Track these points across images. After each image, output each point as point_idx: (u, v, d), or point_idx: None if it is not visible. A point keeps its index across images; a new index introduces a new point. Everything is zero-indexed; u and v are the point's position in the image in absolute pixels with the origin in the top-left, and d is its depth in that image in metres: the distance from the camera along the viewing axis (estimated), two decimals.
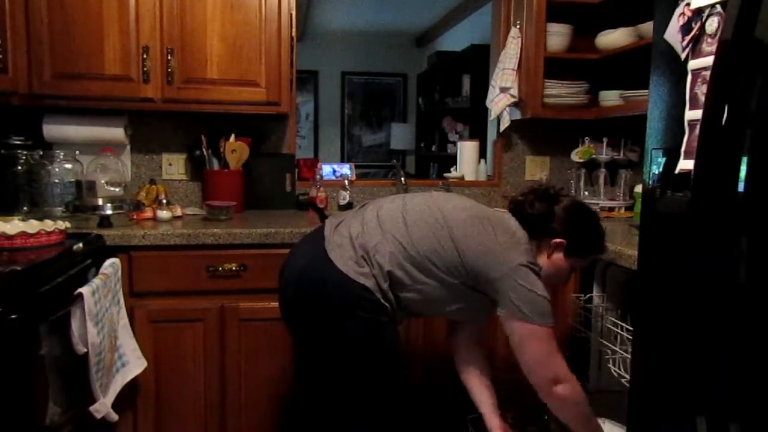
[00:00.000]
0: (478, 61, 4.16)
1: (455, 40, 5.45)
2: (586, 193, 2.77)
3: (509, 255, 1.46)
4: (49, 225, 1.74)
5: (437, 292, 1.51)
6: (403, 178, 2.79)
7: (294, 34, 2.39)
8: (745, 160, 0.91)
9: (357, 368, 1.53)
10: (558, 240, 1.54)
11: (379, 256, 1.47)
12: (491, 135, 3.07)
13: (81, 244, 1.76)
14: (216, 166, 2.53)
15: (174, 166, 2.63)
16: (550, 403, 1.53)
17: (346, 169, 2.92)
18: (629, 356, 1.49)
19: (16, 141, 2.25)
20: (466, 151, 3.06)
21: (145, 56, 2.22)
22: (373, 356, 1.52)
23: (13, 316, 1.36)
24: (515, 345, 1.49)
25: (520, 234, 1.53)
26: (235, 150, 2.50)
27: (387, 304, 1.49)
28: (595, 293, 1.96)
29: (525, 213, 1.56)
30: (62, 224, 1.78)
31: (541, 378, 1.48)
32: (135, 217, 2.23)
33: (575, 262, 1.60)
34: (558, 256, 1.56)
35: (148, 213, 2.26)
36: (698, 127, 0.98)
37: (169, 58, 2.24)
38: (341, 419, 1.60)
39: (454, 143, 4.68)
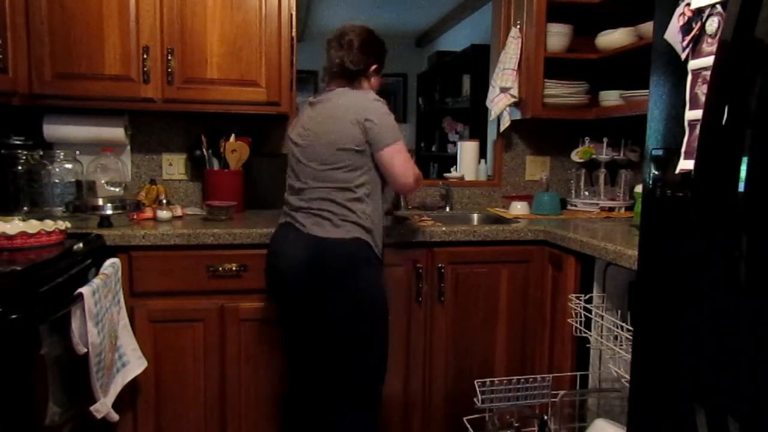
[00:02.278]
0: (478, 61, 4.16)
1: (455, 40, 5.44)
2: (587, 193, 2.77)
3: (363, 109, 1.77)
4: (49, 225, 1.74)
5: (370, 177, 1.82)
6: None
7: (294, 34, 2.39)
8: (745, 160, 0.91)
9: (373, 312, 1.79)
10: (375, 66, 1.90)
11: (342, 207, 1.75)
12: (491, 135, 3.07)
13: (81, 244, 1.76)
14: (216, 166, 2.53)
15: (174, 166, 2.63)
16: (412, 191, 1.98)
17: None
18: (629, 356, 1.49)
19: (17, 141, 2.25)
20: (466, 151, 3.06)
21: (145, 56, 2.22)
22: (381, 296, 1.81)
23: (14, 316, 1.36)
24: (388, 164, 1.78)
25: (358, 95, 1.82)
26: (235, 150, 2.50)
27: (372, 241, 1.79)
28: (595, 293, 1.96)
29: (349, 70, 1.84)
30: (62, 224, 1.78)
31: (411, 176, 1.82)
32: (135, 217, 2.23)
33: (381, 73, 1.96)
34: (376, 77, 1.92)
35: (148, 213, 2.26)
36: (698, 127, 0.98)
37: (169, 58, 2.24)
38: (344, 401, 1.82)
39: (454, 143, 4.68)
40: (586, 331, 1.90)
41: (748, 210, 0.92)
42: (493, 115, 2.80)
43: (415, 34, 6.61)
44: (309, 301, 1.78)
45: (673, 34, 1.17)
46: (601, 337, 1.85)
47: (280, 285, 1.84)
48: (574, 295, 1.98)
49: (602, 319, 1.85)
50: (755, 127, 0.90)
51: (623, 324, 1.68)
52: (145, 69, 2.23)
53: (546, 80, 2.60)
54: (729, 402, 0.96)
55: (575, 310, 1.92)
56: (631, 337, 1.53)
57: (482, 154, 3.10)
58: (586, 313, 1.90)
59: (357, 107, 1.76)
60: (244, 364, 2.07)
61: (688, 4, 1.12)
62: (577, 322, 1.91)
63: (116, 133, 2.44)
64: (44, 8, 2.14)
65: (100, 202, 2.21)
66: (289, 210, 1.85)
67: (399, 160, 1.78)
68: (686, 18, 1.13)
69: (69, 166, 2.33)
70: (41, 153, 2.27)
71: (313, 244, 1.74)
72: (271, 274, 1.87)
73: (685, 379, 1.09)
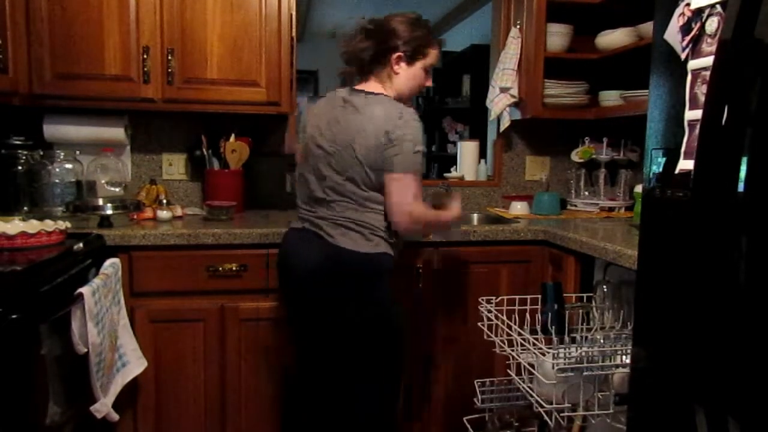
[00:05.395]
0: (478, 61, 4.16)
1: (455, 40, 5.44)
2: (587, 193, 2.77)
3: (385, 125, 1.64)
4: (49, 225, 1.74)
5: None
6: None
7: (294, 34, 2.39)
8: (745, 160, 0.91)
9: (387, 327, 1.72)
10: (396, 54, 1.73)
11: (368, 218, 1.67)
12: (491, 135, 3.07)
13: (81, 244, 1.76)
14: (216, 166, 2.53)
15: (174, 166, 2.63)
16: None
17: None
18: (629, 357, 1.49)
19: (17, 141, 2.25)
20: (466, 151, 3.06)
21: (145, 56, 2.22)
22: (397, 313, 1.75)
23: (14, 316, 1.36)
24: (387, 191, 1.67)
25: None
26: (235, 150, 2.50)
27: (394, 252, 1.73)
28: (596, 293, 1.96)
29: (361, 59, 1.74)
30: (62, 224, 1.78)
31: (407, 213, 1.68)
32: (135, 217, 2.23)
33: (422, 63, 1.79)
34: (404, 66, 1.75)
35: (149, 213, 2.26)
36: (698, 127, 0.98)
37: (169, 58, 2.24)
38: (353, 395, 1.73)
39: (454, 143, 4.68)
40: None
41: (748, 210, 0.92)
42: (493, 115, 2.81)
43: None
44: (327, 309, 1.69)
45: (672, 34, 1.17)
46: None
47: (296, 289, 1.75)
48: (574, 295, 1.98)
49: (603, 319, 1.85)
50: (755, 127, 0.90)
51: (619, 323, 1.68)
52: (145, 69, 2.23)
53: (546, 80, 2.60)
54: (729, 402, 0.96)
55: (576, 312, 1.92)
56: (628, 335, 1.54)
57: (482, 154, 3.10)
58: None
59: (385, 124, 1.63)
60: (244, 364, 2.07)
61: (688, 4, 1.12)
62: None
63: (116, 133, 2.44)
64: (44, 8, 2.14)
65: (100, 202, 2.21)
66: (311, 217, 1.74)
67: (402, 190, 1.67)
68: (686, 18, 1.13)
69: (69, 166, 2.34)
70: (41, 153, 2.27)
71: (341, 256, 1.65)
72: (287, 275, 1.79)
73: (684, 379, 1.09)
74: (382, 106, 1.68)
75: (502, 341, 1.77)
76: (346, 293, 1.66)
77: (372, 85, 1.75)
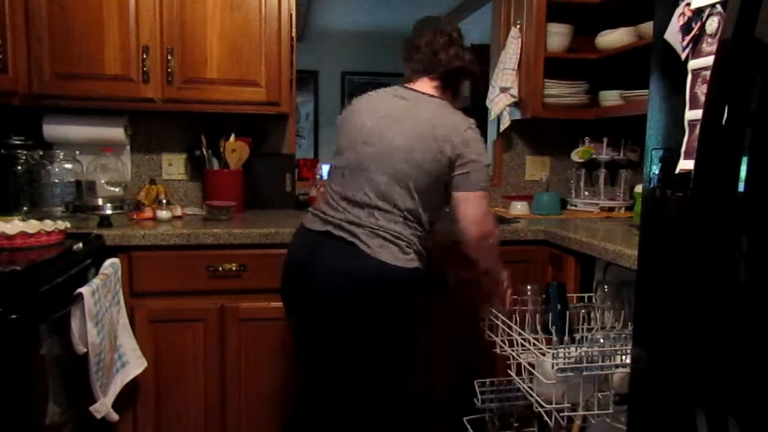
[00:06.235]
0: (478, 61, 4.15)
1: None
2: (587, 193, 2.77)
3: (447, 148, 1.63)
4: (49, 225, 1.74)
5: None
6: None
7: (294, 34, 2.39)
8: (745, 160, 0.91)
9: (409, 341, 1.68)
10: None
11: (406, 231, 1.62)
12: (491, 135, 3.07)
13: (81, 244, 1.76)
14: (216, 166, 2.53)
15: (174, 166, 2.63)
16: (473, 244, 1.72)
17: None
18: (629, 356, 1.49)
19: (16, 141, 2.25)
20: None
21: (145, 56, 2.22)
22: (416, 326, 1.70)
23: (13, 316, 1.36)
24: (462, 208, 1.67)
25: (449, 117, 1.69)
26: (235, 150, 2.50)
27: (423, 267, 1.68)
28: (596, 293, 1.96)
29: (445, 65, 1.75)
30: (62, 224, 1.78)
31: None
32: (135, 217, 2.23)
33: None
34: (465, 85, 1.84)
35: (148, 213, 2.26)
36: (698, 127, 0.97)
37: (169, 58, 2.24)
38: (362, 408, 1.69)
39: None
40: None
41: (748, 210, 0.92)
42: (493, 115, 2.81)
43: None
44: (350, 320, 1.61)
45: (673, 34, 1.17)
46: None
47: (316, 295, 1.63)
48: (575, 295, 1.98)
49: (603, 319, 1.85)
50: (755, 127, 0.90)
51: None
52: (145, 69, 2.22)
53: (546, 80, 2.60)
54: (729, 403, 0.96)
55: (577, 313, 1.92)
56: (628, 335, 1.54)
57: None
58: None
59: (453, 134, 1.63)
60: (244, 364, 2.07)
61: (688, 4, 1.12)
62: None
63: (116, 133, 2.44)
64: (44, 8, 2.14)
65: (100, 202, 2.21)
66: (340, 220, 1.62)
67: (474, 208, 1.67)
68: (686, 18, 1.13)
69: (69, 166, 2.33)
70: (41, 153, 2.27)
71: (379, 269, 1.57)
72: (303, 279, 1.65)
73: (684, 380, 1.09)
74: (448, 114, 1.68)
75: (502, 341, 1.77)
76: (375, 306, 1.59)
77: (433, 91, 1.75)
